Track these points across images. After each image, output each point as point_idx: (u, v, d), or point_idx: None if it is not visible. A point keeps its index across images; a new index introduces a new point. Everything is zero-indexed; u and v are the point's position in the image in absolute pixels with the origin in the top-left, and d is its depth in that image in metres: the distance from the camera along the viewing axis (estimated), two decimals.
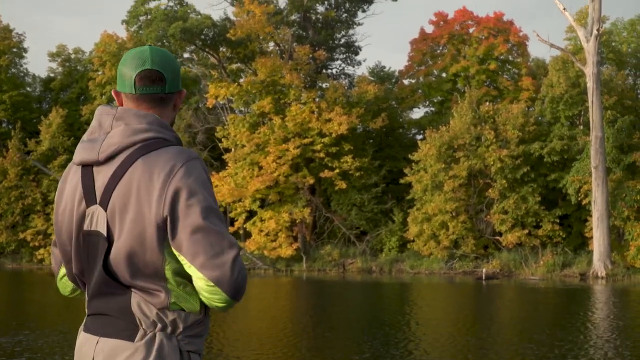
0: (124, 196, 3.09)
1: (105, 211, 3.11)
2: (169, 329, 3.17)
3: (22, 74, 69.43)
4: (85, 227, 3.17)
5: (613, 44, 55.33)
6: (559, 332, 19.84)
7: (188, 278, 3.12)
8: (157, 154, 3.12)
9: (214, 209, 3.08)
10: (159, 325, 3.16)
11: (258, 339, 18.53)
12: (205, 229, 3.03)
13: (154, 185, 3.06)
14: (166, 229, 3.05)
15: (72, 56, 69.11)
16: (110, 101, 60.60)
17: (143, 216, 3.06)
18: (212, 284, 3.03)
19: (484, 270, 44.47)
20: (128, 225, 3.07)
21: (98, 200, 3.14)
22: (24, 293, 35.49)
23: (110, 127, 3.20)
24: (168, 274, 3.11)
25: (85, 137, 3.27)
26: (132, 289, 3.17)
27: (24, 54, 68.82)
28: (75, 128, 62.21)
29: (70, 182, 3.26)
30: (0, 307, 28.63)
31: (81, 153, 3.21)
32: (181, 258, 3.06)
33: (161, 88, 3.28)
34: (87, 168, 3.20)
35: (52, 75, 69.57)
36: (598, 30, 43.72)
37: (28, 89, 70.13)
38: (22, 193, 59.59)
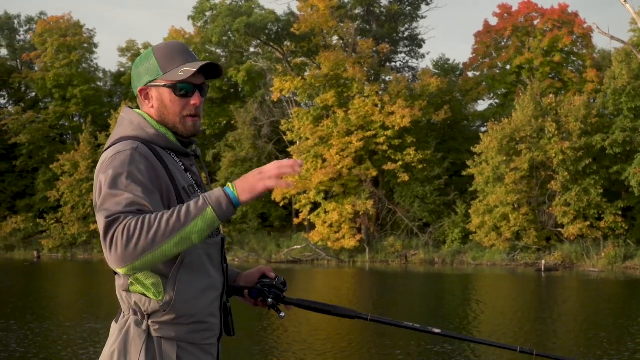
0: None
1: None
2: (138, 314, 3.31)
3: (92, 69, 70.78)
4: None
5: None
6: (623, 323, 20.14)
7: None
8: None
9: (107, 198, 3.09)
10: (132, 310, 3.32)
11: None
12: (98, 221, 3.11)
13: (94, 182, 3.29)
14: None
15: (142, 51, 70.21)
16: None
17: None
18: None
19: (543, 262, 44.60)
20: None
21: None
22: (97, 283, 36.47)
23: None
24: None
25: None
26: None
27: (94, 49, 70.22)
28: None
29: None
30: (77, 296, 29.66)
31: None
32: None
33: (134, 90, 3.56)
34: None
35: (122, 69, 70.87)
36: None
37: (99, 83, 71.53)
38: (93, 185, 60.77)
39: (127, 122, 3.44)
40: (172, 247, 3.00)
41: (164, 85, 3.42)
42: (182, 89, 3.41)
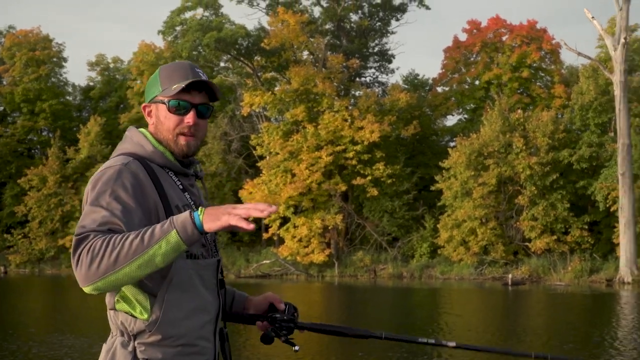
0: None
1: None
2: (125, 335, 3.25)
3: (61, 83, 70.66)
4: None
5: None
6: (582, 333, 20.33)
7: None
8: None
9: (86, 214, 3.09)
10: (119, 331, 3.27)
11: None
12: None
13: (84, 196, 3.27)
14: None
15: (111, 65, 70.29)
16: None
17: None
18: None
19: (510, 276, 44.86)
20: None
21: None
22: (64, 298, 36.33)
23: None
24: None
25: None
26: None
27: (63, 63, 70.08)
28: (113, 136, 63.26)
29: None
30: (41, 311, 29.54)
31: None
32: None
33: None
34: None
35: (91, 84, 70.79)
36: (625, 38, 43.95)
37: (68, 97, 71.39)
38: (62, 200, 60.70)
39: (128, 139, 3.45)
40: (136, 269, 2.93)
41: (160, 102, 3.41)
42: (174, 106, 3.38)
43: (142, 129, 3.50)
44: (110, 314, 3.30)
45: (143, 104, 3.52)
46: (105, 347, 3.31)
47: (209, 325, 3.37)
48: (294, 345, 3.61)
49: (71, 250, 2.98)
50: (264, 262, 53.15)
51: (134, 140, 3.42)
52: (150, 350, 3.21)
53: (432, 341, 3.74)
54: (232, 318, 3.72)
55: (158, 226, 2.97)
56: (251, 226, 2.99)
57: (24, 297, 36.36)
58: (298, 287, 44.37)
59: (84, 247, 2.93)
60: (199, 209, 3.03)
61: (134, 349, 3.22)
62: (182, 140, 3.41)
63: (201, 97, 3.44)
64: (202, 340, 3.33)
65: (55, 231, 60.91)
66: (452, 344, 3.76)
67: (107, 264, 2.90)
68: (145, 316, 3.20)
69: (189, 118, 3.39)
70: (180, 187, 3.41)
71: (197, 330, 3.31)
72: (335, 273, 51.63)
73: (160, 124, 3.42)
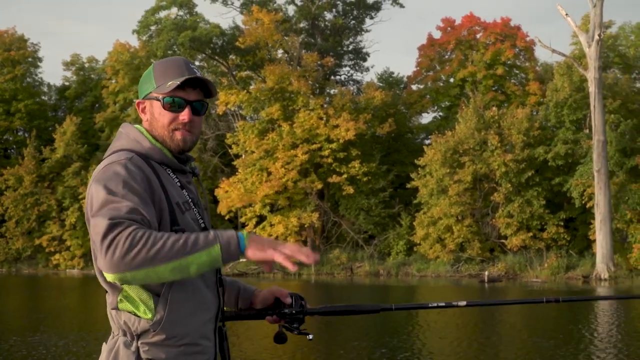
0: None
1: None
2: (128, 335, 3.21)
3: (37, 83, 70.45)
4: None
5: (620, 48, 55.78)
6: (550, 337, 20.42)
7: None
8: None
9: (105, 204, 3.03)
10: (121, 330, 3.23)
11: None
12: (92, 226, 3.03)
13: (87, 194, 3.22)
14: None
15: (86, 65, 70.02)
16: (123, 109, 61.56)
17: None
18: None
19: (486, 273, 45.03)
20: None
21: None
22: (42, 298, 36.20)
23: None
24: None
25: None
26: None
27: (39, 64, 69.82)
28: (89, 135, 63.29)
29: None
30: (18, 311, 29.43)
31: None
32: None
33: None
34: None
35: (66, 83, 70.48)
36: (600, 35, 44.14)
37: (43, 97, 71.12)
38: (38, 200, 60.56)
39: (124, 135, 3.41)
40: (168, 271, 2.92)
41: (155, 98, 3.38)
42: (168, 103, 3.36)
43: (137, 126, 3.47)
44: (112, 313, 3.26)
45: (137, 101, 3.48)
46: (106, 346, 3.28)
47: (209, 324, 3.35)
48: (307, 334, 3.60)
49: (99, 237, 2.92)
50: (241, 260, 52.89)
51: (130, 136, 3.38)
52: (154, 350, 3.18)
53: (442, 304, 3.80)
54: (241, 316, 3.74)
55: (202, 235, 2.96)
56: (295, 268, 3.06)
57: (2, 297, 36.20)
58: (275, 285, 44.28)
59: (120, 232, 2.89)
60: (243, 232, 3.05)
61: (137, 348, 3.18)
62: (178, 135, 3.38)
63: (196, 94, 3.41)
64: (204, 340, 3.31)
65: (31, 231, 60.90)
66: (463, 303, 3.83)
67: (144, 257, 2.87)
68: (150, 316, 3.17)
69: (184, 115, 3.37)
70: (179, 184, 3.38)
71: (199, 329, 3.29)
72: (312, 271, 51.63)
73: (155, 120, 3.40)
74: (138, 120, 4.03)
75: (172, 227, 3.20)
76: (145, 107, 3.44)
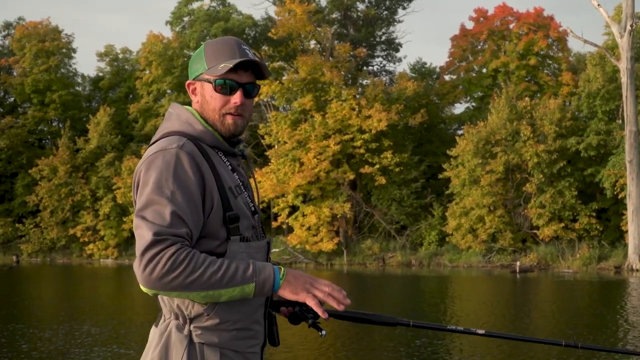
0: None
1: None
2: (180, 318, 3.21)
3: (71, 74, 70.69)
4: None
5: None
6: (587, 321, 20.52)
7: None
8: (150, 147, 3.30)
9: (150, 203, 3.07)
10: (173, 314, 3.23)
11: None
12: (135, 225, 3.08)
13: (134, 177, 3.25)
14: None
15: (120, 56, 70.38)
16: (156, 100, 61.94)
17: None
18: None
19: (518, 263, 45.06)
20: None
21: None
22: (77, 287, 36.63)
23: None
24: None
25: None
26: None
27: (73, 54, 70.12)
28: (123, 126, 63.71)
29: None
30: (58, 299, 29.84)
31: None
32: None
33: None
34: None
35: (100, 74, 70.88)
36: (632, 25, 44.00)
37: (77, 88, 71.50)
38: (72, 190, 61.07)
39: (174, 116, 3.38)
40: (200, 297, 3.03)
41: (207, 80, 3.33)
42: (220, 85, 3.31)
43: (187, 107, 3.44)
44: (163, 297, 3.25)
45: (187, 82, 3.45)
46: (156, 330, 3.29)
47: (260, 309, 3.35)
48: (320, 330, 3.48)
49: (140, 247, 2.99)
50: (273, 250, 53.31)
51: (181, 118, 3.36)
52: (207, 334, 3.19)
53: (461, 329, 3.70)
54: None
55: (241, 269, 3.06)
56: (326, 315, 3.18)
57: (36, 286, 36.64)
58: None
59: (163, 251, 2.96)
60: (280, 268, 3.12)
61: (190, 332, 3.19)
62: (229, 119, 3.35)
63: (248, 76, 3.37)
64: (256, 324, 3.33)
65: (66, 221, 61.41)
66: (481, 331, 3.76)
67: (180, 282, 2.96)
68: (205, 300, 3.14)
69: (236, 98, 3.33)
70: (230, 167, 3.36)
71: (252, 314, 3.30)
72: (344, 261, 51.89)
73: (205, 103, 3.36)
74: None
75: (225, 213, 3.21)
76: (195, 88, 3.41)
